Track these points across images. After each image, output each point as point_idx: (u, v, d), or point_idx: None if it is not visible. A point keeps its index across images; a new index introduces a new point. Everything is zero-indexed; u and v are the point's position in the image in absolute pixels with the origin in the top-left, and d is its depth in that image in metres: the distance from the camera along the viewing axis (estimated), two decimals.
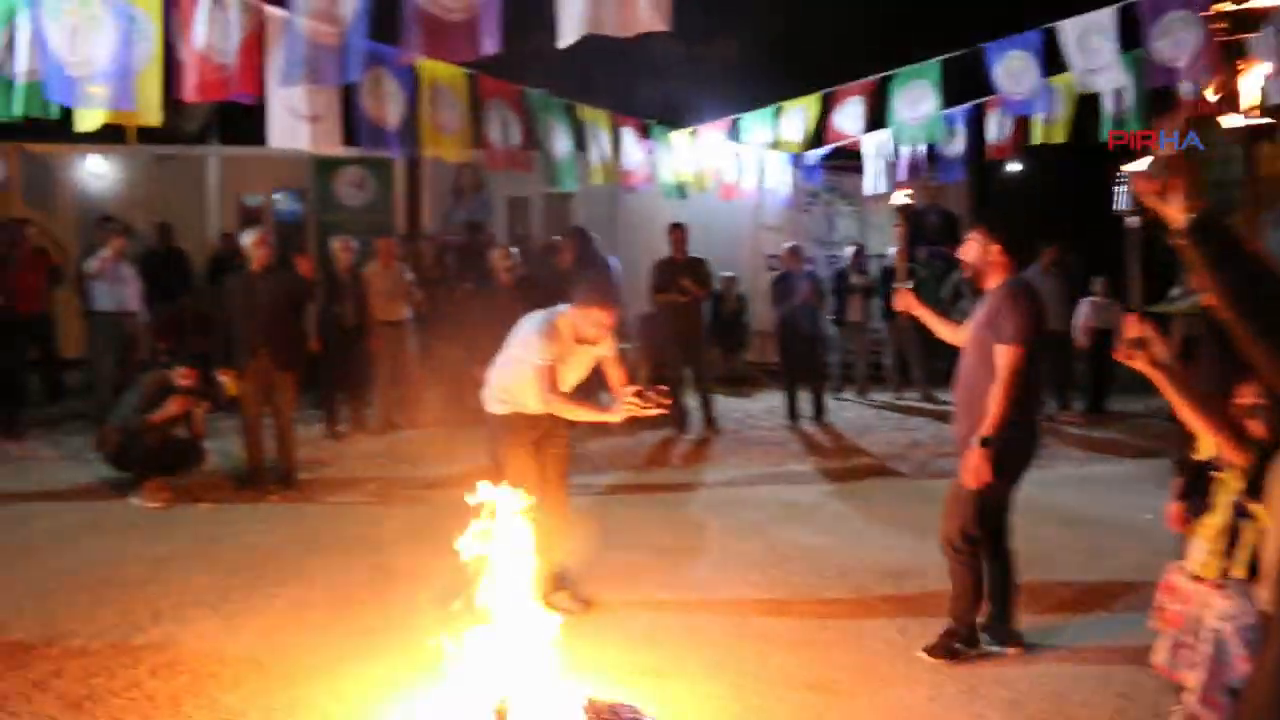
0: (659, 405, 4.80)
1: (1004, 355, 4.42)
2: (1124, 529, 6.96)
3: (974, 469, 4.45)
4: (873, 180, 12.35)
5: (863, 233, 14.94)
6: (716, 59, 14.54)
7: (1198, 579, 3.30)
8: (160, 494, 7.50)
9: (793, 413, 11.07)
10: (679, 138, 11.00)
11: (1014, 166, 14.32)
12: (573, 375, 5.24)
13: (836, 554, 6.40)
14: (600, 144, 9.64)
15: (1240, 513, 3.15)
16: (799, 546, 6.60)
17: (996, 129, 10.72)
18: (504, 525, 3.94)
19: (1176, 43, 7.71)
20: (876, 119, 10.76)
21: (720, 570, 6.14)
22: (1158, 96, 8.19)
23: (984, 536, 4.65)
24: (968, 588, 4.71)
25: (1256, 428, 3.09)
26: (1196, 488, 3.57)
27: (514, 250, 9.38)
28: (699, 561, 6.37)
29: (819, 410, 11.15)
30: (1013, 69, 9.00)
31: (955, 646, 4.71)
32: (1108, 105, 9.08)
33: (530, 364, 5.01)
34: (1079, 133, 9.84)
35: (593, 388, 6.09)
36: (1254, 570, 3.06)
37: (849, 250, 13.09)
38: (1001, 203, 14.79)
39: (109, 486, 7.83)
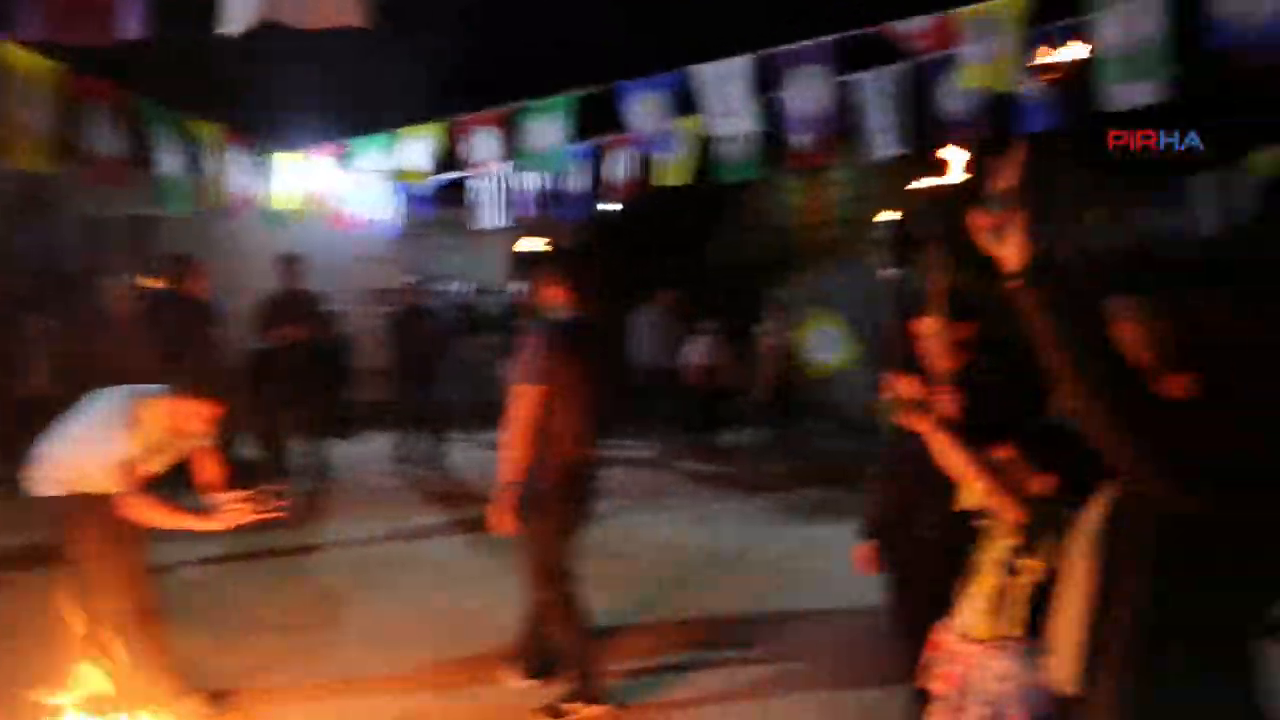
0: (274, 510, 4.22)
1: (519, 395, 4.32)
2: (732, 563, 7.19)
3: (499, 518, 4.41)
4: (486, 214, 11.96)
5: (473, 268, 14.54)
6: (338, 77, 13.45)
7: (969, 638, 3.12)
8: None
9: (407, 456, 10.47)
10: (288, 161, 10.02)
11: (616, 207, 14.49)
12: (157, 465, 4.33)
13: (494, 616, 5.77)
14: (211, 163, 8.47)
15: (1011, 570, 3.00)
16: (456, 611, 6.03)
17: (620, 168, 10.67)
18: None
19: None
20: (500, 151, 10.35)
21: (372, 647, 5.42)
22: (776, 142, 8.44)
23: (559, 584, 4.52)
24: (567, 640, 4.55)
25: (1035, 484, 2.96)
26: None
27: (139, 278, 7.98)
28: (348, 637, 5.61)
29: (435, 453, 10.58)
30: (645, 109, 8.96)
31: (559, 707, 4.48)
32: (730, 150, 9.22)
33: (106, 452, 4.10)
34: (698, 178, 9.95)
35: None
36: (1031, 628, 2.92)
37: (464, 286, 12.65)
38: (599, 243, 14.93)
39: None
